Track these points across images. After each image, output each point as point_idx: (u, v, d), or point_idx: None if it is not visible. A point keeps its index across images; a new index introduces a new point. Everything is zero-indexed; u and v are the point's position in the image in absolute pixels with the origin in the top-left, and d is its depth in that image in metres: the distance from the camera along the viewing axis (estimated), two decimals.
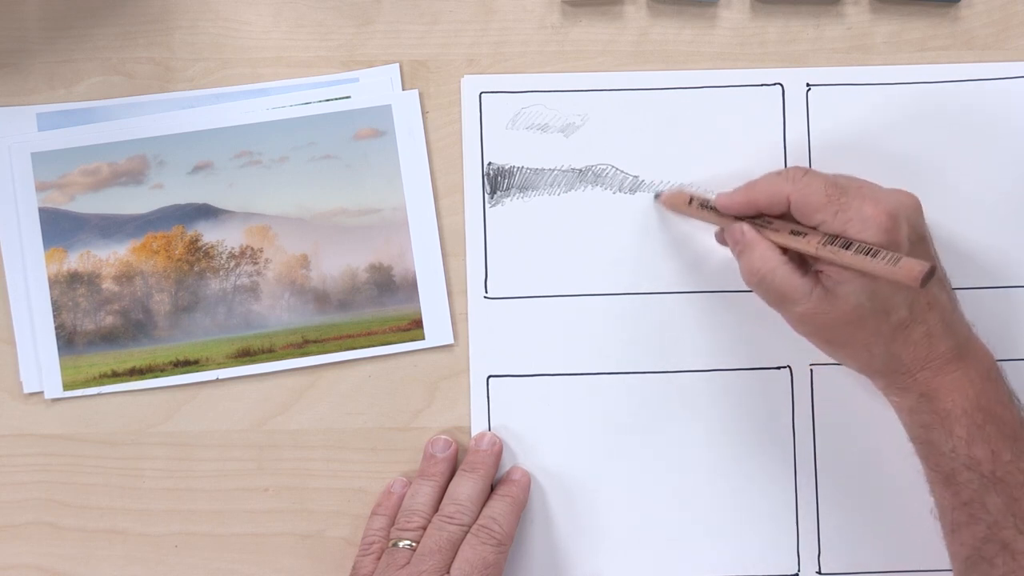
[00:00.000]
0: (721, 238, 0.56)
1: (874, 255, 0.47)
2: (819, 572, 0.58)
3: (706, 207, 0.55)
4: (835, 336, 0.51)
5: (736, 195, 0.53)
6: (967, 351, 0.51)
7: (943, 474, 0.51)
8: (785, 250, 0.51)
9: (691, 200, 0.56)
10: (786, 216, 0.52)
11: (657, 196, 0.58)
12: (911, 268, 0.46)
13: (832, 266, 0.49)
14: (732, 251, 0.54)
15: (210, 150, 0.58)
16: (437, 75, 0.59)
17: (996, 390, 0.51)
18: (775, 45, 0.59)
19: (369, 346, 0.58)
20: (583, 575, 0.58)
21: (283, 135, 0.58)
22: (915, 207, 0.51)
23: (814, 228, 0.50)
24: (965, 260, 0.58)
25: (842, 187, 0.50)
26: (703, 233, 0.58)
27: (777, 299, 0.52)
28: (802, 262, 0.51)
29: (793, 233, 0.51)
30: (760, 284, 0.52)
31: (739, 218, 0.53)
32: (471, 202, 0.59)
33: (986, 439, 0.49)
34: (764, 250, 0.51)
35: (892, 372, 0.52)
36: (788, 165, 0.58)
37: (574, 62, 0.59)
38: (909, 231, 0.50)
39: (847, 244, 0.48)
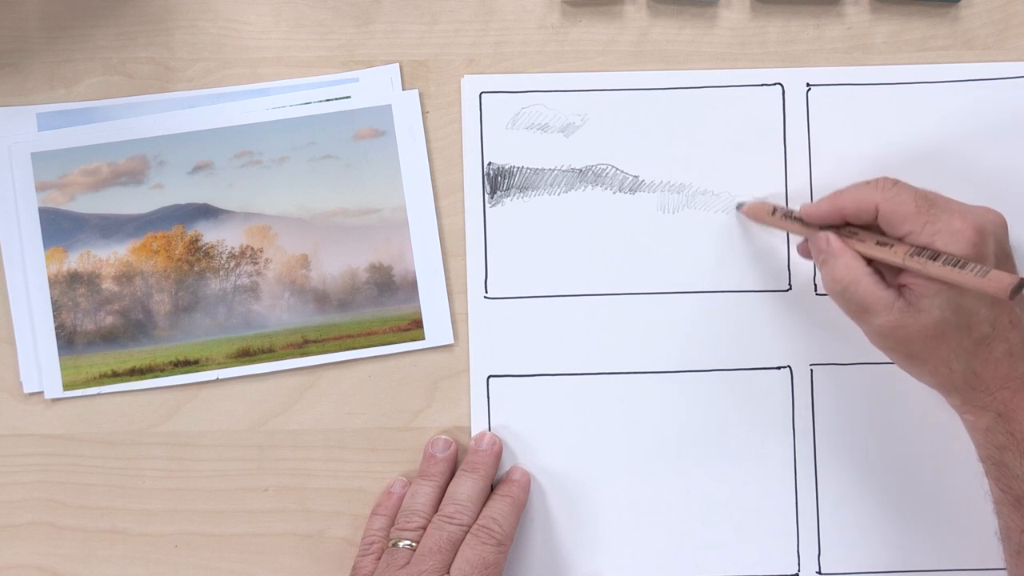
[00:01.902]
0: (804, 250, 0.56)
1: (963, 267, 0.47)
2: (819, 572, 0.58)
3: (790, 217, 0.54)
4: (915, 350, 0.51)
5: (822, 204, 0.52)
6: None
7: (1014, 496, 0.50)
8: (869, 262, 0.51)
9: (774, 211, 0.55)
10: (871, 227, 0.51)
11: (739, 207, 0.58)
12: (1001, 280, 0.46)
13: (917, 279, 0.49)
14: (815, 260, 0.53)
15: (210, 150, 0.58)
16: (437, 75, 0.59)
17: None
18: (775, 45, 0.59)
19: (369, 346, 0.58)
20: (583, 575, 0.58)
21: (283, 135, 0.58)
22: (1001, 224, 0.51)
23: (900, 239, 0.50)
24: None
25: (931, 199, 0.50)
26: (702, 233, 0.58)
27: (858, 310, 0.51)
28: (885, 275, 0.51)
29: (879, 244, 0.50)
30: (843, 294, 0.51)
31: (823, 228, 0.53)
32: (471, 202, 0.59)
33: None
34: (849, 260, 0.51)
35: (970, 389, 0.51)
36: (789, 166, 0.58)
37: (574, 62, 0.59)
38: (995, 247, 0.49)
39: (935, 256, 0.48)
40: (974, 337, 0.50)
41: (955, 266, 0.47)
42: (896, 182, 0.51)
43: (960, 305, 0.49)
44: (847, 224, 0.52)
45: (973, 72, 0.59)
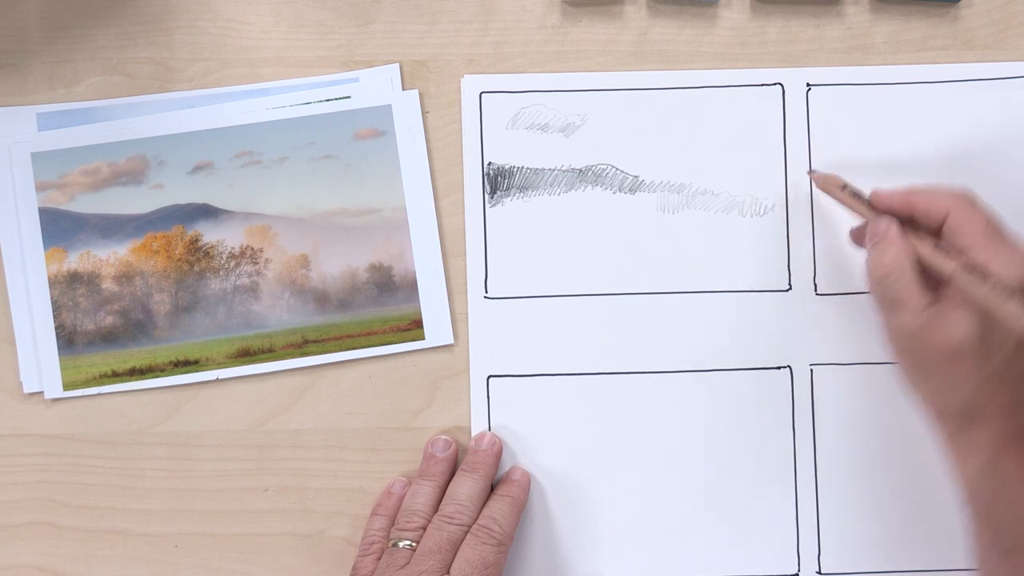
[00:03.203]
0: (857, 236, 0.55)
1: (1008, 298, 0.47)
2: (819, 572, 0.58)
3: (857, 197, 0.53)
4: (926, 363, 0.50)
5: (896, 193, 0.52)
6: None
7: (1004, 547, 0.49)
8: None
9: (845, 186, 0.54)
10: (934, 233, 0.51)
11: (811, 171, 0.57)
12: None
13: (958, 294, 0.49)
14: (868, 243, 0.52)
15: (210, 150, 0.58)
16: (437, 75, 0.59)
17: None
18: (775, 45, 0.59)
19: (369, 346, 0.58)
20: (583, 575, 0.58)
21: (283, 135, 0.58)
22: None
23: (959, 250, 0.49)
24: None
25: (1003, 227, 0.50)
26: (702, 233, 0.58)
27: (890, 302, 0.50)
28: (929, 281, 0.51)
29: (937, 248, 0.50)
30: (882, 281, 0.51)
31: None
32: (471, 202, 0.59)
33: None
34: (900, 250, 0.50)
35: (965, 422, 0.50)
36: (789, 166, 0.58)
37: (574, 62, 0.59)
38: None
39: (985, 278, 0.48)
40: (986, 371, 0.49)
41: (1001, 294, 0.47)
42: (976, 198, 0.51)
43: (988, 335, 0.48)
44: (911, 220, 0.52)
45: (973, 72, 0.59)
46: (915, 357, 0.51)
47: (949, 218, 0.50)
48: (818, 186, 0.56)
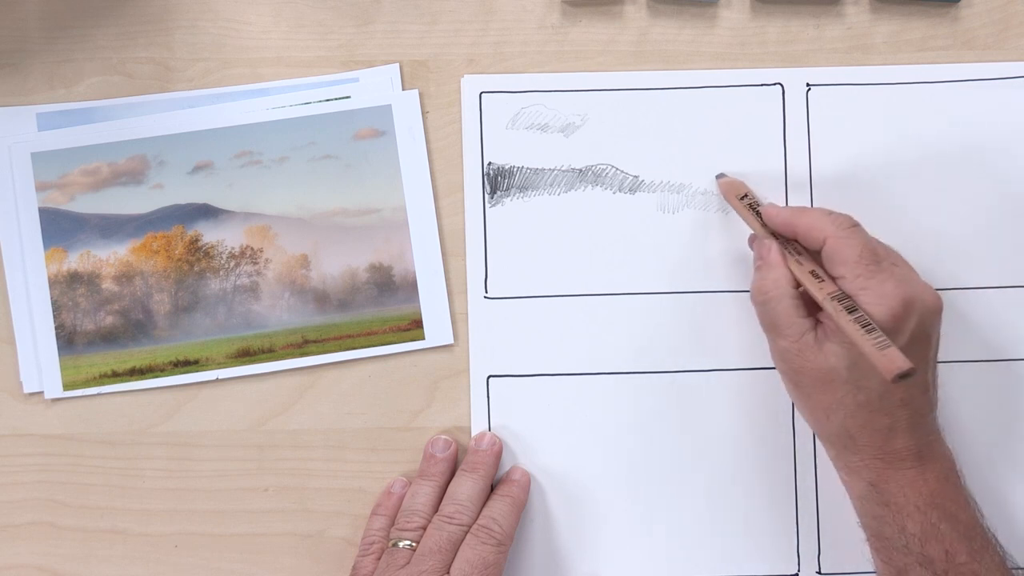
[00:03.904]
0: (752, 244, 0.56)
1: (869, 331, 0.47)
2: (819, 572, 0.58)
3: (753, 209, 0.55)
4: (803, 385, 0.51)
5: (782, 213, 0.53)
6: (927, 453, 0.50)
7: (896, 568, 0.50)
8: (799, 285, 0.51)
9: (744, 196, 0.56)
10: (817, 255, 0.51)
11: (719, 176, 0.58)
12: (892, 360, 0.45)
13: (832, 321, 0.49)
14: (754, 261, 0.54)
15: (210, 150, 0.58)
16: (437, 75, 0.59)
17: (953, 491, 0.50)
18: (775, 45, 0.59)
19: (369, 346, 0.58)
20: (583, 575, 0.58)
21: (283, 135, 0.58)
22: (934, 308, 0.51)
23: (834, 278, 0.50)
24: (964, 259, 0.58)
25: (878, 256, 0.50)
26: (702, 233, 0.58)
27: (770, 324, 0.52)
28: (810, 303, 0.51)
29: (813, 274, 0.51)
30: (763, 304, 0.52)
31: (775, 235, 0.53)
32: (471, 202, 0.59)
33: (940, 538, 0.49)
34: (779, 276, 0.51)
35: (843, 447, 0.51)
36: (789, 166, 0.58)
37: (574, 62, 0.59)
38: (916, 327, 0.49)
39: (852, 308, 0.48)
40: (859, 399, 0.50)
41: (863, 327, 0.47)
42: (855, 225, 0.51)
43: (856, 364, 0.49)
44: (797, 241, 0.52)
45: (973, 72, 0.59)
46: (794, 379, 0.52)
47: (826, 244, 0.50)
48: (720, 191, 0.57)
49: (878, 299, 0.48)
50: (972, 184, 0.58)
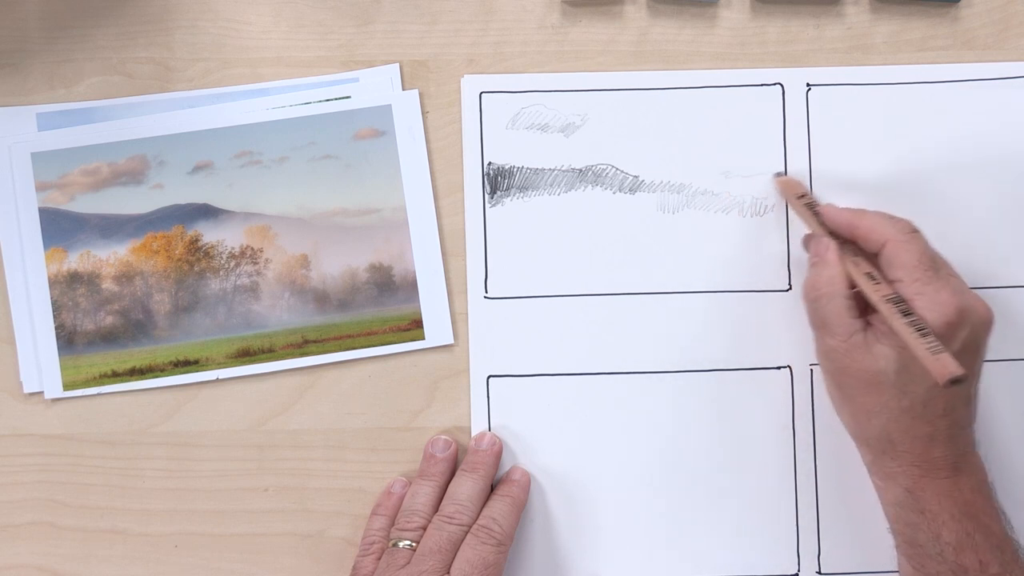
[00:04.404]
0: (806, 243, 0.56)
1: (924, 335, 0.47)
2: (819, 572, 0.58)
3: (811, 209, 0.55)
4: (847, 386, 0.51)
5: (843, 213, 0.53)
6: (963, 465, 0.51)
7: (927, 575, 0.50)
8: (853, 286, 0.51)
9: (803, 195, 0.56)
10: (873, 258, 0.52)
11: (777, 175, 0.58)
12: (945, 364, 0.46)
13: (884, 323, 0.49)
14: (808, 259, 0.54)
15: (210, 150, 0.58)
16: (437, 75, 0.59)
17: (985, 503, 0.51)
18: (775, 45, 0.59)
19: (369, 346, 0.58)
20: (583, 575, 0.58)
21: (283, 135, 0.58)
22: (987, 321, 0.51)
23: (891, 281, 0.50)
24: (964, 259, 0.58)
25: (936, 264, 0.50)
26: (703, 234, 0.58)
27: (820, 322, 0.52)
28: (861, 306, 0.51)
29: (869, 276, 0.51)
30: (815, 302, 0.52)
31: (833, 234, 0.53)
32: (471, 202, 0.59)
33: (974, 548, 0.49)
34: (835, 274, 0.52)
35: (881, 451, 0.52)
36: (789, 166, 0.58)
37: (574, 62, 0.59)
38: (968, 337, 0.49)
39: (907, 312, 0.48)
40: (903, 404, 0.50)
41: (918, 330, 0.47)
42: (916, 231, 0.51)
43: (906, 368, 0.49)
44: (855, 243, 0.53)
45: (973, 72, 0.59)
46: (838, 380, 0.52)
47: (885, 248, 0.51)
48: (779, 190, 0.57)
49: (934, 306, 0.48)
50: (972, 184, 0.58)
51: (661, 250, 0.58)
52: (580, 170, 0.59)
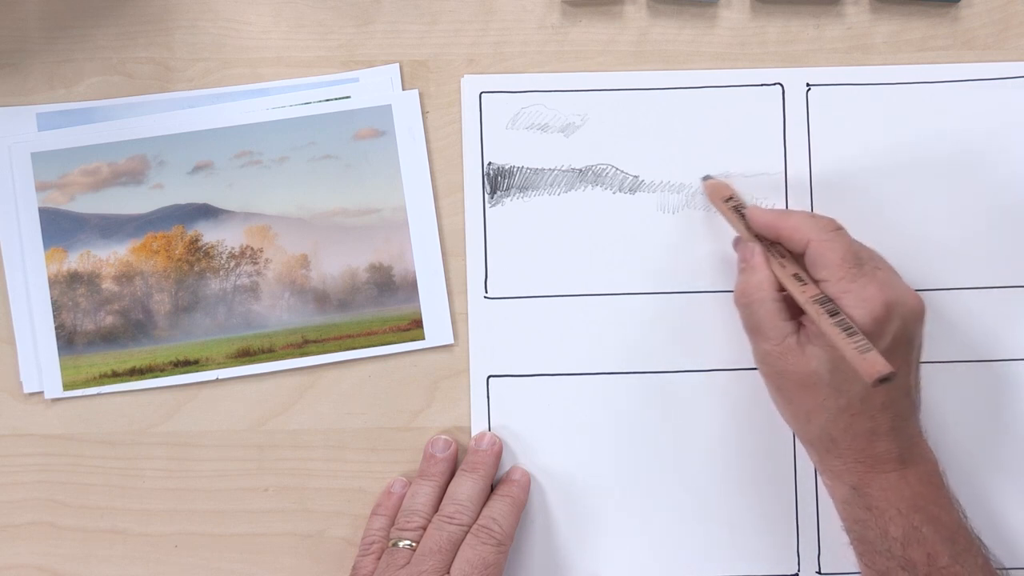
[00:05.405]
0: (735, 246, 0.56)
1: (851, 335, 0.47)
2: (819, 572, 0.58)
3: (737, 211, 0.55)
4: (785, 388, 0.51)
5: (766, 215, 0.53)
6: (910, 457, 0.51)
7: (878, 572, 0.50)
8: (782, 289, 0.51)
9: (730, 198, 0.56)
10: (801, 258, 0.52)
11: (705, 178, 0.58)
12: (873, 363, 0.45)
13: (814, 324, 0.49)
14: (737, 264, 0.54)
15: (210, 150, 0.58)
16: (437, 75, 0.59)
17: (936, 494, 0.50)
18: (775, 45, 0.59)
19: (369, 346, 0.58)
20: (583, 575, 0.58)
21: (283, 135, 0.58)
22: (917, 311, 0.51)
23: (816, 281, 0.50)
24: (963, 259, 0.58)
25: (860, 260, 0.50)
26: (703, 233, 0.58)
27: (753, 327, 0.52)
28: (793, 307, 0.51)
29: (796, 277, 0.51)
30: (746, 307, 0.52)
31: (759, 237, 0.53)
32: (471, 202, 0.59)
33: (922, 541, 0.49)
34: (762, 279, 0.52)
35: (825, 450, 0.51)
36: (789, 166, 0.58)
37: (574, 62, 0.59)
38: (898, 330, 0.49)
39: (834, 312, 0.48)
40: (840, 403, 0.50)
41: (844, 330, 0.47)
42: (838, 229, 0.51)
43: (837, 367, 0.49)
44: (781, 243, 0.52)
45: (973, 72, 0.59)
46: (776, 383, 0.52)
47: (809, 247, 0.51)
48: (706, 192, 0.57)
49: (860, 302, 0.48)
50: (972, 184, 0.58)
51: (661, 250, 0.58)
52: (580, 170, 0.59)
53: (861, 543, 0.51)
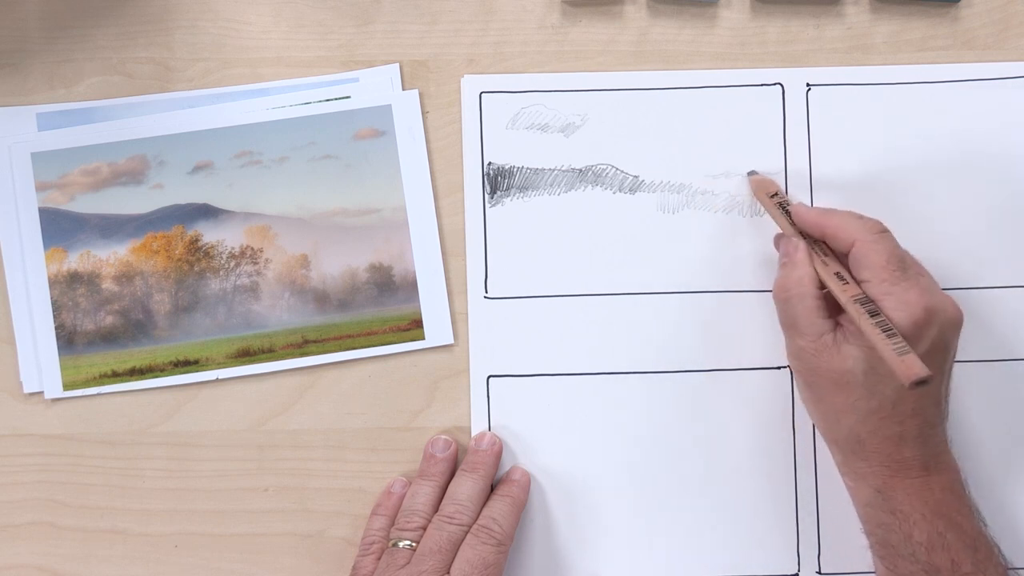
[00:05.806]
0: (777, 242, 0.56)
1: (890, 336, 0.47)
2: (819, 572, 0.58)
3: (782, 208, 0.55)
4: (816, 386, 0.51)
5: (811, 213, 0.53)
6: (934, 464, 0.51)
7: None
8: (822, 286, 0.51)
9: (775, 194, 0.56)
10: (843, 257, 0.52)
11: (751, 173, 0.58)
12: (911, 366, 0.46)
13: (852, 324, 0.49)
14: (779, 259, 0.54)
15: (210, 150, 0.58)
16: (437, 75, 0.59)
17: (958, 502, 0.51)
18: (775, 45, 0.59)
19: (369, 346, 0.58)
20: (583, 575, 0.58)
21: (283, 135, 0.58)
22: (955, 320, 0.51)
23: (859, 282, 0.50)
24: (964, 259, 0.58)
25: (904, 264, 0.50)
26: (703, 233, 0.58)
27: (790, 322, 0.52)
28: (831, 306, 0.51)
29: (838, 276, 0.51)
30: (785, 302, 0.52)
31: (802, 234, 0.53)
32: (471, 202, 0.59)
33: (946, 548, 0.49)
34: (804, 275, 0.52)
35: (851, 452, 0.51)
36: (789, 166, 0.58)
37: (574, 62, 0.59)
38: (936, 336, 0.49)
39: (875, 312, 0.48)
40: (871, 405, 0.50)
41: (884, 331, 0.47)
42: (885, 231, 0.51)
43: (873, 369, 0.49)
44: (825, 242, 0.52)
45: (973, 72, 0.59)
46: (808, 380, 0.52)
47: (854, 248, 0.51)
48: (752, 188, 0.57)
49: (902, 306, 0.48)
50: (972, 184, 0.58)
51: (661, 250, 0.58)
52: (580, 170, 0.59)
53: (883, 547, 0.51)
